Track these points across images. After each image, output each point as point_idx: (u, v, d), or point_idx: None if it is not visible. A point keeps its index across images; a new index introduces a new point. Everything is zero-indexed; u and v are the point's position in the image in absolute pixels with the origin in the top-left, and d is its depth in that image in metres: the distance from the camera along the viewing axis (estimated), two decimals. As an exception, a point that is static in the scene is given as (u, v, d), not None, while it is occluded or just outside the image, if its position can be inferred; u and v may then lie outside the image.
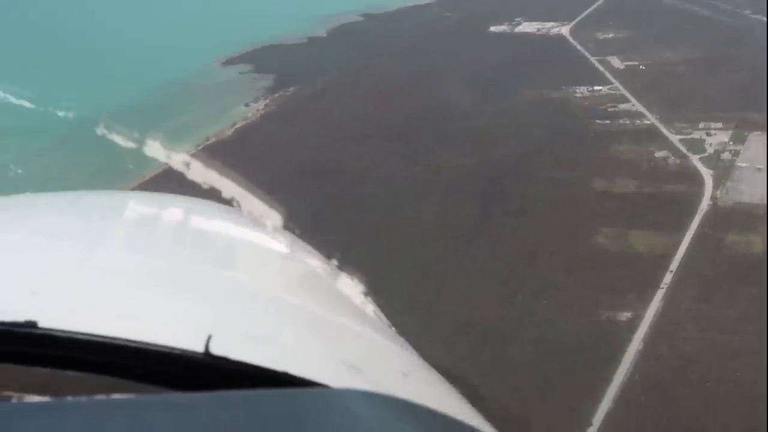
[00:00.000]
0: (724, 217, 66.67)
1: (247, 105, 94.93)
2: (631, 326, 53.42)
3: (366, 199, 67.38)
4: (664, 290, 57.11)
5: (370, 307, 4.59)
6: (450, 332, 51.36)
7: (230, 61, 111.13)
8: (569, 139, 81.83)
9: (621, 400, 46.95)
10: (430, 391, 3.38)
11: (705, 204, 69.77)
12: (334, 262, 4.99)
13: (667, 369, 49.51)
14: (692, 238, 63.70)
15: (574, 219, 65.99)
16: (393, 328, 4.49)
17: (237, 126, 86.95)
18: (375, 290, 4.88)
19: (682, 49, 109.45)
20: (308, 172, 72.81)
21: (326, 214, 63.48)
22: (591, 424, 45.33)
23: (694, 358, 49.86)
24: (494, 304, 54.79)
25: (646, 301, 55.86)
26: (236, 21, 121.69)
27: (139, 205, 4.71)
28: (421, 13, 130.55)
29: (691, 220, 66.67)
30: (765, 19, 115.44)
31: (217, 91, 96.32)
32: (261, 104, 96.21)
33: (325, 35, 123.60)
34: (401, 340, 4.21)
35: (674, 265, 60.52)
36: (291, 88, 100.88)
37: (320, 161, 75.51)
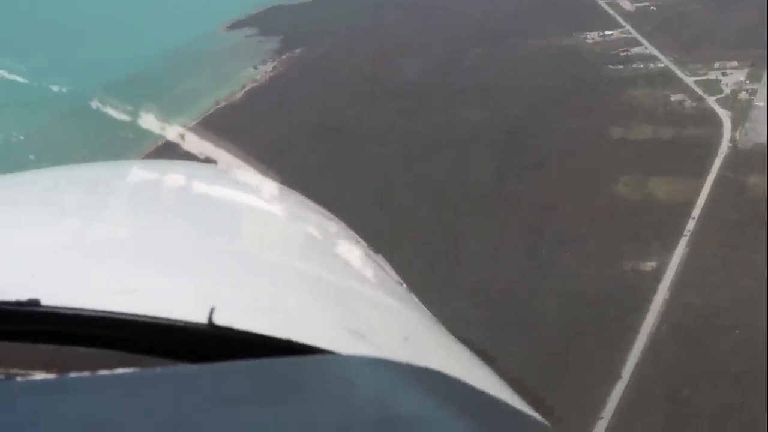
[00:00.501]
0: (744, 160, 65.60)
1: (255, 68, 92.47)
2: (657, 275, 52.70)
3: (379, 158, 66.56)
4: (687, 237, 56.33)
5: (377, 265, 4.46)
6: (471, 290, 50.86)
7: (235, 25, 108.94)
8: (582, 87, 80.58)
9: (650, 350, 46.34)
10: (438, 352, 3.33)
11: (724, 147, 68.72)
12: (338, 222, 4.83)
13: (695, 317, 48.85)
14: (713, 182, 62.76)
15: (592, 169, 65.05)
16: (403, 285, 4.36)
17: (247, 88, 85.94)
18: (392, 250, 4.81)
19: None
20: (321, 132, 71.97)
21: (340, 173, 62.82)
22: (621, 377, 44.91)
23: (723, 306, 49.18)
24: (516, 260, 54.09)
25: (670, 249, 55.10)
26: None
27: (139, 175, 4.58)
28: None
29: (711, 165, 65.68)
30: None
31: (223, 56, 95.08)
32: (269, 66, 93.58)
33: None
34: (414, 300, 4.12)
35: (697, 212, 59.63)
36: (298, 50, 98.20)
37: (332, 121, 74.59)
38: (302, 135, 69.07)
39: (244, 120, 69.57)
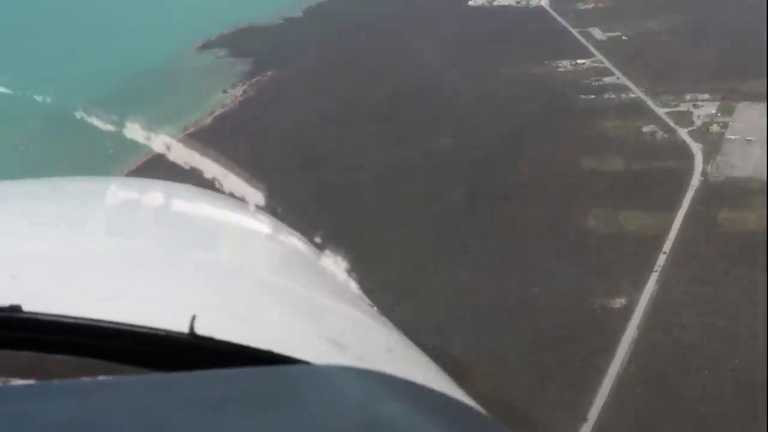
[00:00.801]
0: (716, 193, 65.58)
1: (225, 91, 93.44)
2: (626, 313, 52.37)
3: (353, 186, 65.85)
4: (658, 273, 56.13)
5: (352, 286, 4.58)
6: (442, 324, 50.23)
7: (206, 46, 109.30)
8: (555, 117, 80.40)
9: (617, 392, 45.93)
10: (412, 366, 3.37)
11: (696, 180, 68.57)
12: (317, 241, 5.01)
13: (663, 357, 48.48)
14: (684, 216, 62.62)
15: (564, 200, 64.78)
16: (375, 308, 4.40)
17: (216, 114, 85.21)
18: (364, 282, 4.82)
19: (663, 18, 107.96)
20: (291, 160, 71.24)
21: (311, 205, 62.03)
22: (586, 419, 44.40)
23: (692, 345, 48.88)
24: (485, 296, 53.60)
25: (640, 285, 54.81)
26: (210, 4, 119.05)
27: (119, 190, 4.65)
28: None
29: (682, 198, 65.56)
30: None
31: (194, 78, 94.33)
32: (239, 90, 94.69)
33: (301, 15, 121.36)
34: (383, 318, 4.15)
35: (668, 246, 59.45)
36: (269, 72, 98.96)
37: (303, 148, 73.99)
38: (271, 164, 68.18)
39: (210, 150, 68.38)
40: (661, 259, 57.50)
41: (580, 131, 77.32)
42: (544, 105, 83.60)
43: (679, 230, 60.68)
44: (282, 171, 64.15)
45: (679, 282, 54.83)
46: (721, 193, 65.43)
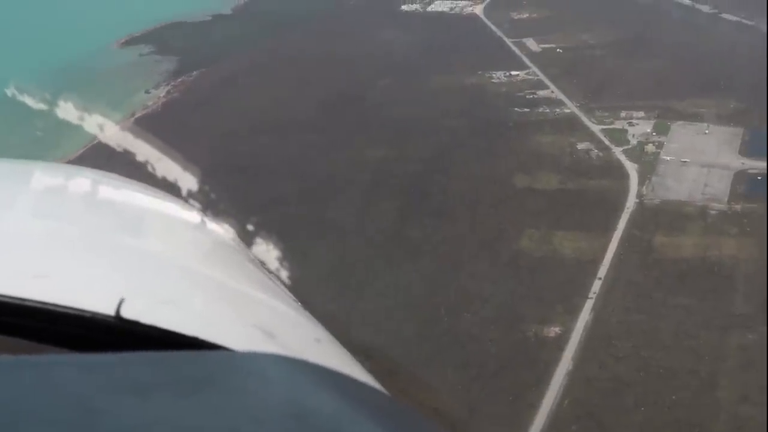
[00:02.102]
0: (651, 217, 64.07)
1: (147, 92, 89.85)
2: (560, 343, 50.45)
3: (277, 200, 62.77)
4: (593, 300, 54.40)
5: (278, 280, 4.54)
6: (364, 355, 47.55)
7: (130, 42, 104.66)
8: (488, 130, 78.28)
9: (550, 430, 44.08)
10: (338, 359, 3.32)
11: (631, 202, 66.91)
12: (248, 229, 5.15)
13: (599, 393, 46.62)
14: (620, 240, 60.93)
15: (497, 219, 62.75)
16: (299, 303, 4.14)
17: (137, 116, 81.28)
18: (291, 276, 4.98)
19: (599, 31, 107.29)
20: (215, 170, 67.55)
21: (235, 216, 58.80)
22: (515, 462, 42.55)
23: (627, 380, 47.09)
24: (412, 322, 51.20)
25: (574, 313, 53.00)
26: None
27: (48, 175, 4.58)
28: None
29: (617, 220, 63.88)
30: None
31: (115, 77, 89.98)
32: (162, 91, 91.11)
33: (230, 13, 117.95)
34: (307, 313, 3.98)
35: (603, 272, 57.69)
36: (195, 72, 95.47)
37: (228, 157, 70.55)
38: (193, 174, 64.73)
39: (130, 156, 64.79)
40: (596, 285, 55.92)
41: (514, 146, 75.60)
42: (478, 117, 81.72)
43: (614, 255, 59.20)
44: (203, 182, 60.53)
45: (615, 310, 53.29)
46: (656, 217, 64.16)
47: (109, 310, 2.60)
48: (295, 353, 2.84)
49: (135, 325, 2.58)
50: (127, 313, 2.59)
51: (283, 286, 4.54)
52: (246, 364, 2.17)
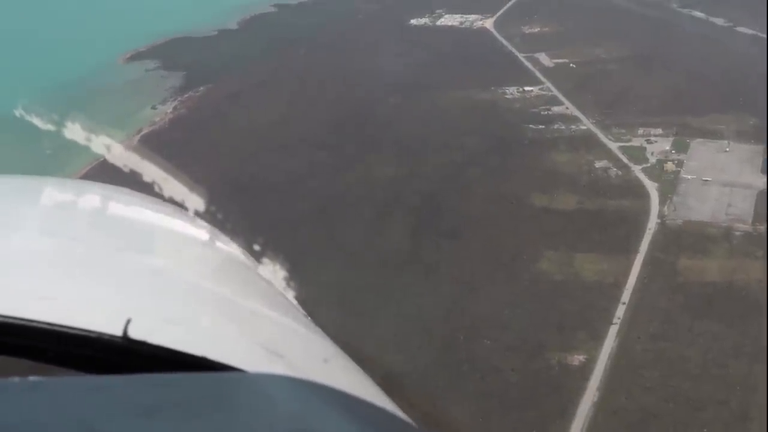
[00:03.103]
0: (674, 238, 61.94)
1: (154, 108, 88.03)
2: (585, 372, 48.27)
3: (289, 221, 60.73)
4: (617, 326, 52.27)
5: (289, 296, 4.57)
6: (380, 384, 45.46)
7: (135, 57, 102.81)
8: (502, 148, 76.29)
9: (577, 469, 42.14)
10: (347, 378, 3.36)
11: (653, 222, 64.80)
12: (256, 249, 4.89)
13: (626, 426, 44.56)
14: (643, 263, 58.69)
15: (515, 241, 60.65)
16: (310, 318, 4.19)
17: (143, 132, 79.39)
18: (300, 293, 4.68)
19: (611, 46, 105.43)
20: (224, 190, 65.50)
21: (242, 237, 56.82)
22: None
23: (656, 412, 44.92)
24: (431, 348, 49.13)
25: (599, 340, 50.86)
26: (141, 12, 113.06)
27: (56, 191, 4.53)
28: (336, 3, 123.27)
29: (639, 242, 61.77)
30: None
31: (121, 93, 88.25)
32: (169, 107, 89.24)
33: (236, 27, 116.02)
34: (318, 329, 3.98)
35: (626, 296, 55.50)
36: (201, 88, 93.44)
37: (237, 176, 68.70)
38: (200, 194, 62.77)
39: (134, 174, 62.77)
40: (620, 311, 53.83)
41: (530, 164, 73.59)
42: (491, 134, 79.81)
43: (637, 278, 57.09)
44: (211, 202, 58.63)
45: (640, 338, 51.21)
46: (679, 239, 62.04)
47: (116, 330, 2.58)
48: (303, 373, 2.86)
49: (142, 345, 2.56)
50: (135, 334, 2.58)
51: (293, 303, 4.48)
52: (253, 385, 2.20)
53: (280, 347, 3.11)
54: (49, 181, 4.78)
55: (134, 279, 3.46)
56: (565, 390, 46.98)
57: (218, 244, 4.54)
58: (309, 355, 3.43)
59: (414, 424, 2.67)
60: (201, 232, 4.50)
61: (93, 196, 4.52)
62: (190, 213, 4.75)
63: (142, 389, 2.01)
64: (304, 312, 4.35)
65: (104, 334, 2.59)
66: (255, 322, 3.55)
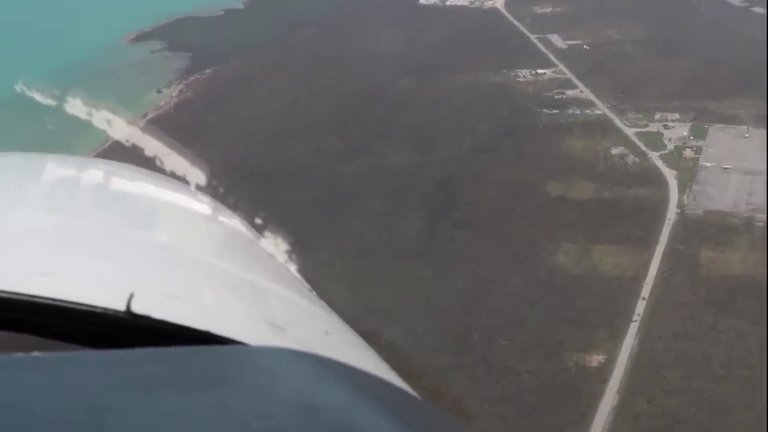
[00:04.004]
0: (694, 229, 60.05)
1: (159, 91, 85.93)
2: (603, 373, 46.59)
3: (297, 210, 58.83)
4: (637, 323, 50.54)
5: (291, 269, 4.54)
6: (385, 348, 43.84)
7: (140, 38, 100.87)
8: (517, 133, 74.37)
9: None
10: (350, 350, 3.36)
11: (672, 212, 62.75)
12: (258, 222, 4.91)
13: (647, 431, 43.15)
14: (663, 255, 56.85)
15: (530, 231, 58.85)
16: (313, 291, 4.12)
17: (148, 117, 77.53)
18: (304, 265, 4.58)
19: (625, 26, 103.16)
20: (231, 176, 63.87)
21: (254, 229, 55.18)
22: None
23: (679, 416, 43.30)
24: (445, 348, 47.49)
25: (618, 338, 49.16)
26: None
27: (58, 168, 4.51)
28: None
29: (659, 233, 59.91)
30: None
31: (125, 75, 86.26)
32: (175, 90, 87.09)
33: (242, 7, 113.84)
34: (322, 302, 3.96)
35: (646, 291, 53.72)
36: (208, 70, 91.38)
37: (245, 162, 66.92)
38: (208, 181, 61.07)
39: (140, 160, 61.04)
40: (640, 306, 52.15)
41: (545, 151, 71.73)
42: (505, 119, 77.92)
43: (657, 272, 55.37)
44: (217, 190, 56.97)
45: (662, 336, 49.56)
46: (700, 229, 60.27)
47: (119, 305, 2.58)
48: (306, 346, 2.87)
49: (146, 320, 2.57)
50: (138, 308, 2.58)
51: (296, 276, 4.42)
52: (256, 358, 2.20)
53: (282, 320, 3.11)
54: (51, 157, 4.70)
55: (137, 254, 3.46)
56: (584, 393, 45.49)
57: (221, 218, 4.56)
58: (312, 328, 3.42)
59: (418, 396, 2.66)
60: (204, 206, 4.48)
61: (95, 172, 4.53)
62: (193, 186, 4.70)
63: (146, 363, 2.01)
64: (307, 285, 4.32)
65: (107, 309, 2.58)
66: (258, 295, 3.56)
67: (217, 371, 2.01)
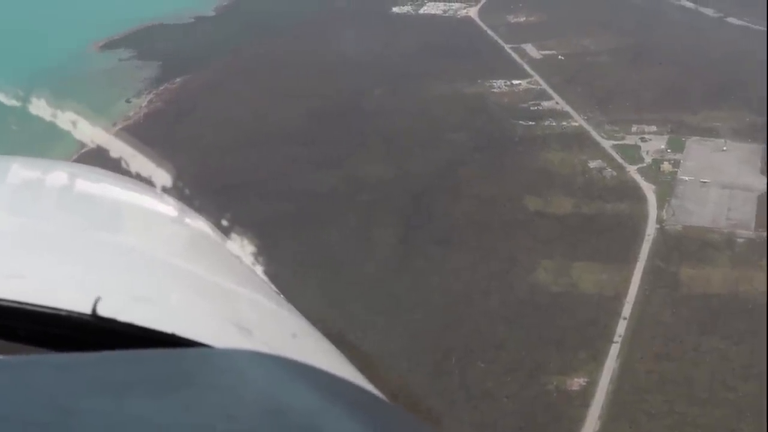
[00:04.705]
0: (674, 245, 58.99)
1: (128, 101, 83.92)
2: (585, 397, 45.35)
3: (266, 223, 57.04)
4: (619, 344, 49.50)
5: (258, 272, 4.57)
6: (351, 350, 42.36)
7: (109, 45, 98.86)
8: (493, 146, 73.15)
9: None
10: (318, 353, 3.41)
11: (651, 228, 61.65)
12: (224, 224, 4.91)
13: (631, 461, 42.13)
14: (643, 272, 55.70)
15: (509, 248, 57.66)
16: (281, 294, 4.15)
17: (118, 127, 75.60)
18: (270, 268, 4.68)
19: (600, 36, 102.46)
20: (200, 187, 61.89)
21: (220, 231, 53.46)
22: None
23: (663, 444, 42.45)
24: (422, 371, 46.05)
25: (599, 360, 48.02)
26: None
27: (24, 170, 4.45)
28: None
29: (638, 249, 58.67)
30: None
31: (94, 83, 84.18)
32: (144, 100, 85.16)
33: (213, 14, 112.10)
34: (289, 305, 3.97)
35: (627, 310, 52.62)
36: (178, 79, 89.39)
37: (214, 173, 65.15)
38: (176, 192, 59.33)
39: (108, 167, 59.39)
40: (621, 326, 51.13)
41: (522, 164, 70.66)
42: (480, 131, 76.83)
43: (638, 290, 54.42)
44: (187, 202, 55.24)
45: (643, 357, 48.55)
46: (680, 245, 59.39)
47: (85, 308, 2.58)
48: (273, 349, 2.86)
49: (112, 323, 2.57)
50: (104, 311, 2.58)
51: (263, 279, 4.44)
52: (222, 361, 2.17)
53: (249, 323, 3.11)
54: (15, 159, 4.59)
55: (103, 257, 3.43)
56: (565, 418, 44.48)
57: (187, 220, 4.48)
58: (279, 331, 3.40)
59: (384, 397, 2.65)
60: (169, 208, 4.42)
61: (60, 174, 4.44)
62: (158, 189, 4.62)
63: (112, 366, 1.99)
64: (274, 287, 4.25)
65: (73, 312, 2.57)
66: (224, 298, 3.52)
67: (184, 374, 1.97)
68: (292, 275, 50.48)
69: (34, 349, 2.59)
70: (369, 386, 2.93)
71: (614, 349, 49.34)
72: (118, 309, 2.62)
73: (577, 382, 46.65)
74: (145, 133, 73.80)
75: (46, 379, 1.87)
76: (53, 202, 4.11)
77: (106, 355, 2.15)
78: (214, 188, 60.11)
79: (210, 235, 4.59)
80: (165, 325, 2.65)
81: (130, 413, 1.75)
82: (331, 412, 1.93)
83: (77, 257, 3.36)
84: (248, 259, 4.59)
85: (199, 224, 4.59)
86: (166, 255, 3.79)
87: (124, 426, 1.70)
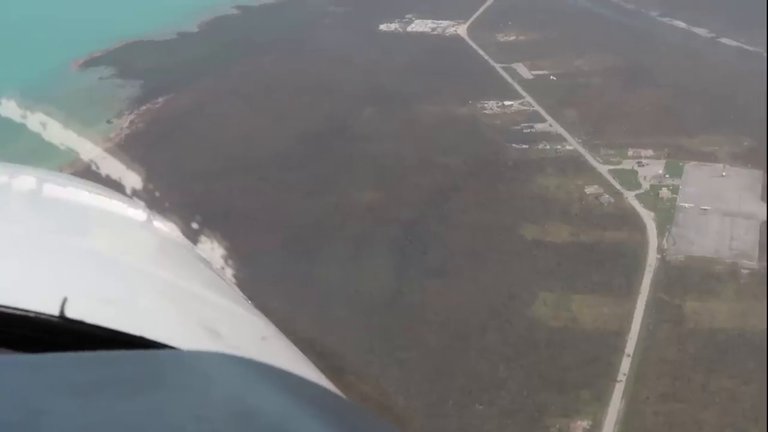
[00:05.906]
0: (677, 276, 56.71)
1: (109, 122, 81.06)
2: (590, 442, 43.39)
3: (254, 255, 54.51)
4: (623, 384, 47.20)
5: (227, 277, 4.64)
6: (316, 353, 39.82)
7: (89, 63, 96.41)
8: (486, 170, 70.88)
9: None
10: (284, 355, 3.42)
11: (653, 258, 59.39)
12: (194, 227, 5.12)
13: None
14: (646, 306, 53.42)
15: (506, 280, 55.21)
16: (249, 301, 4.18)
17: (98, 150, 72.89)
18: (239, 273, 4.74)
19: (592, 56, 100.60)
20: (182, 216, 59.46)
21: (189, 236, 50.87)
22: None
23: (675, 494, 40.13)
24: (417, 414, 43.51)
25: (603, 401, 45.64)
26: (96, 14, 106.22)
27: None
28: (303, 5, 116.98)
29: (640, 281, 56.37)
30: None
31: (73, 103, 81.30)
32: (126, 121, 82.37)
33: (196, 30, 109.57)
34: (256, 311, 3.97)
35: (630, 347, 50.30)
36: (160, 99, 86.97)
37: (197, 200, 62.50)
38: (160, 219, 56.74)
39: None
40: (625, 365, 48.84)
41: (517, 190, 68.43)
42: (473, 155, 74.57)
43: (642, 325, 52.21)
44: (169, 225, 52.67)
45: (649, 398, 46.27)
46: (683, 276, 57.20)
47: (53, 310, 2.59)
48: (240, 351, 2.86)
49: (80, 324, 2.58)
50: (72, 313, 2.59)
51: (230, 283, 4.49)
52: (191, 363, 2.20)
53: (217, 326, 3.10)
54: None
55: (72, 260, 3.43)
56: (570, 466, 41.97)
57: (156, 225, 4.49)
58: (246, 334, 3.42)
59: (347, 398, 2.60)
60: (138, 213, 4.45)
61: (29, 179, 4.45)
62: (128, 194, 4.98)
63: (79, 367, 1.99)
64: (241, 292, 4.29)
65: (41, 314, 2.57)
66: (192, 301, 3.52)
67: (151, 375, 1.95)
68: (279, 312, 47.85)
69: (2, 350, 2.51)
70: (333, 388, 2.89)
71: (618, 389, 47.19)
72: (86, 311, 2.58)
73: (580, 425, 44.61)
74: (125, 157, 71.20)
75: (16, 380, 1.84)
76: (22, 206, 4.08)
77: (75, 356, 2.10)
78: (192, 214, 57.46)
79: (179, 240, 4.60)
80: (133, 327, 2.60)
81: (99, 414, 1.70)
82: (297, 414, 1.92)
83: (46, 260, 3.27)
84: (217, 264, 4.49)
85: (168, 229, 4.54)
86: (134, 259, 3.73)
87: (92, 427, 1.68)
